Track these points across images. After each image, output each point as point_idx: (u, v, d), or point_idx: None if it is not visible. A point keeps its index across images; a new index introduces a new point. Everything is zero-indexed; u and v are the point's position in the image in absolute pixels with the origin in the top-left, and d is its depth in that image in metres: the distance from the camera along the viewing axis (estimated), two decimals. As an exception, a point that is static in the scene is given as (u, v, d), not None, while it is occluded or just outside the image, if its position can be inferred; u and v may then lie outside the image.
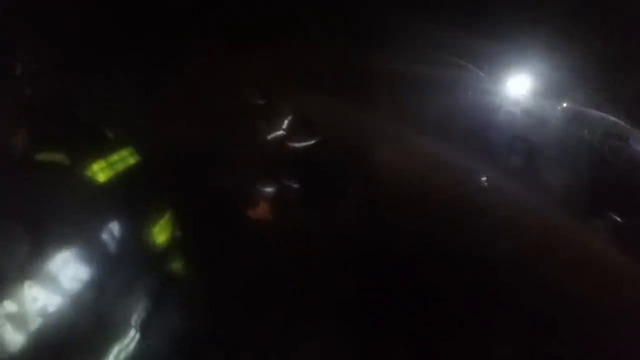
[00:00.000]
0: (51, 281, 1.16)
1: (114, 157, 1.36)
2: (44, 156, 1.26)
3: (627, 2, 1.62)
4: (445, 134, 1.66)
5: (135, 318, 1.24)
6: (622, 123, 1.65)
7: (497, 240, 1.74)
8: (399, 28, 1.57)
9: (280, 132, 1.74)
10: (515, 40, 1.58)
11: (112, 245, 1.23)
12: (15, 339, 1.12)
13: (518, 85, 1.74)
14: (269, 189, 1.77)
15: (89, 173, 1.27)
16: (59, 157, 1.26)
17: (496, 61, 1.65)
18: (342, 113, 1.67)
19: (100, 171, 1.29)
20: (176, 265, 1.42)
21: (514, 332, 1.56)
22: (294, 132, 1.74)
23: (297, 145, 1.74)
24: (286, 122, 1.73)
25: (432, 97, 1.64)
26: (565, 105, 1.69)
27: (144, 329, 1.24)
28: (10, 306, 1.12)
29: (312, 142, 1.75)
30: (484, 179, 1.77)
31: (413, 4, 1.55)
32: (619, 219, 1.63)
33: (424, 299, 1.68)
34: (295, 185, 1.84)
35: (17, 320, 1.12)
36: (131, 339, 1.23)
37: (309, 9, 1.57)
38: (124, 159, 1.39)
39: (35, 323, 1.12)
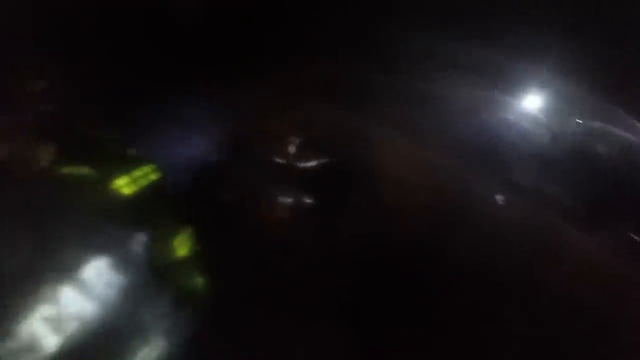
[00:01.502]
0: (85, 287, 1.29)
1: (137, 173, 1.47)
2: (69, 169, 1.39)
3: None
4: (457, 151, 1.66)
5: (157, 326, 1.35)
6: (638, 138, 1.58)
7: (510, 258, 1.72)
8: (409, 44, 1.58)
9: (289, 152, 1.79)
10: (528, 54, 1.54)
11: (136, 256, 1.35)
12: (52, 340, 1.25)
13: (531, 101, 1.70)
14: (276, 202, 1.83)
15: (114, 187, 1.39)
16: (83, 171, 1.38)
17: (508, 76, 1.62)
18: (351, 129, 1.70)
19: (125, 186, 1.41)
20: (195, 276, 1.53)
21: (517, 341, 1.56)
22: (302, 153, 1.79)
23: (305, 165, 1.79)
24: (294, 143, 1.78)
25: (443, 113, 1.64)
26: (579, 121, 1.64)
27: (165, 336, 1.35)
28: (48, 309, 1.26)
29: (319, 162, 1.79)
30: (498, 197, 1.75)
31: (423, 19, 1.55)
32: (636, 237, 1.58)
33: (428, 312, 1.70)
34: (302, 197, 1.90)
35: (54, 322, 1.26)
36: (156, 344, 1.34)
37: (318, 25, 1.61)
38: (147, 175, 1.50)
39: (70, 326, 1.26)
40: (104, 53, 1.47)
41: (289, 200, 1.88)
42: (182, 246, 1.49)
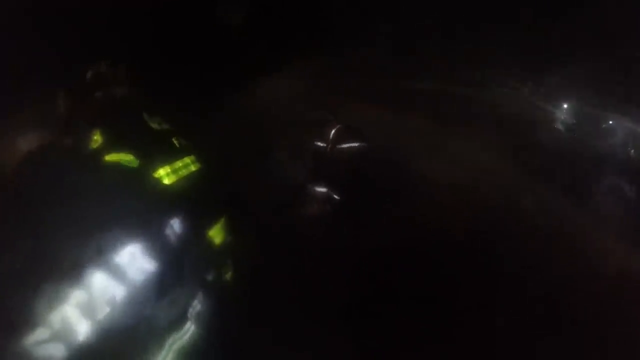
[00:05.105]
0: (118, 273, 1.25)
1: (178, 163, 1.48)
2: (113, 156, 1.37)
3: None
4: (490, 147, 1.70)
5: (191, 311, 1.30)
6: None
7: (534, 254, 1.69)
8: (445, 47, 1.67)
9: (328, 140, 1.85)
10: (564, 68, 1.63)
11: (173, 242, 1.33)
12: (84, 326, 1.20)
13: (559, 99, 1.77)
14: (313, 195, 1.84)
15: (155, 176, 1.39)
16: (127, 158, 1.38)
17: (545, 82, 1.71)
18: (387, 124, 1.76)
19: (165, 176, 1.41)
20: (229, 265, 1.50)
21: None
22: (341, 140, 1.84)
23: (342, 147, 1.82)
24: (334, 131, 1.84)
25: (474, 109, 1.70)
26: (611, 122, 1.69)
27: (198, 321, 1.30)
28: (81, 295, 1.22)
29: (358, 146, 1.83)
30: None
31: (456, 25, 1.66)
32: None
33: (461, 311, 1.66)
34: (337, 194, 1.91)
35: (86, 308, 1.21)
36: (186, 330, 1.29)
37: (368, 26, 1.72)
38: (187, 166, 1.51)
39: (102, 311, 1.20)
40: (163, 51, 1.55)
41: (324, 197, 1.89)
42: (216, 237, 1.48)
